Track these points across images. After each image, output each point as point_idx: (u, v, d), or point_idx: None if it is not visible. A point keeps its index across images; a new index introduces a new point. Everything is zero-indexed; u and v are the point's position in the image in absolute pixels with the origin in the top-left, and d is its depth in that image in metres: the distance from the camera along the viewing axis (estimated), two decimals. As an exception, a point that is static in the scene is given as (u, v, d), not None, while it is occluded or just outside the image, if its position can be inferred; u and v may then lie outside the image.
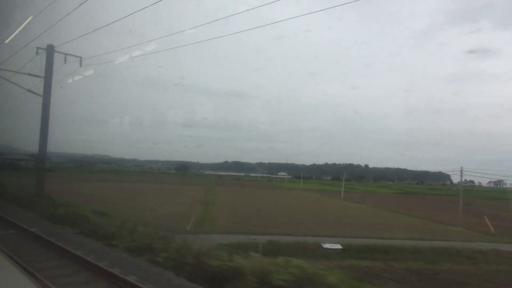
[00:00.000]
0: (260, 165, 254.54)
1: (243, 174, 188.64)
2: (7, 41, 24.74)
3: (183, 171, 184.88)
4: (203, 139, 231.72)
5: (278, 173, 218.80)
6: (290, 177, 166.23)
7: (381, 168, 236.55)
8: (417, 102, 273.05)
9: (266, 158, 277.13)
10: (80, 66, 29.09)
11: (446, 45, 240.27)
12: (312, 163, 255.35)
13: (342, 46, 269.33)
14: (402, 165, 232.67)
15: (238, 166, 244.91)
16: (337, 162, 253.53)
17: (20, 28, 23.70)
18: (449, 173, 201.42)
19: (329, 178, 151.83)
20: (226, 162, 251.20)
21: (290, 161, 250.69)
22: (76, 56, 28.96)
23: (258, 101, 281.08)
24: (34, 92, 28.29)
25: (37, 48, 26.69)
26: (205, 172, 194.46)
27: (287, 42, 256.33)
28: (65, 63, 28.70)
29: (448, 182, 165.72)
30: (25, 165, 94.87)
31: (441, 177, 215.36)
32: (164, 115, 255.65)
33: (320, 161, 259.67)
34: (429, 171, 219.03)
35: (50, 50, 27.80)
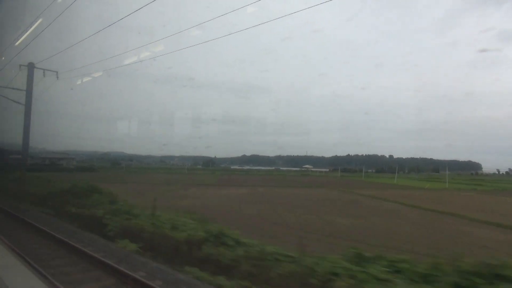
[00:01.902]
0: (279, 158, 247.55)
1: (273, 168, 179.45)
2: (17, 43, 24.80)
3: (211, 167, 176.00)
4: (216, 133, 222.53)
5: (303, 166, 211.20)
6: (327, 170, 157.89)
7: (405, 158, 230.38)
8: (438, 92, 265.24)
9: (283, 151, 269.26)
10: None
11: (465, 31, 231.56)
12: (332, 155, 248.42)
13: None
14: (425, 155, 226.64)
15: (256, 159, 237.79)
16: (359, 153, 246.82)
17: (30, 30, 23.69)
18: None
19: (373, 171, 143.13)
20: (244, 156, 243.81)
21: (309, 154, 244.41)
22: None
23: (272, 95, 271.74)
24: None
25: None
26: (232, 167, 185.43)
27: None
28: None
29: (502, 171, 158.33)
30: (66, 165, 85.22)
31: (472, 166, 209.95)
32: (175, 111, 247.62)
33: (340, 152, 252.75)
34: (458, 160, 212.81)
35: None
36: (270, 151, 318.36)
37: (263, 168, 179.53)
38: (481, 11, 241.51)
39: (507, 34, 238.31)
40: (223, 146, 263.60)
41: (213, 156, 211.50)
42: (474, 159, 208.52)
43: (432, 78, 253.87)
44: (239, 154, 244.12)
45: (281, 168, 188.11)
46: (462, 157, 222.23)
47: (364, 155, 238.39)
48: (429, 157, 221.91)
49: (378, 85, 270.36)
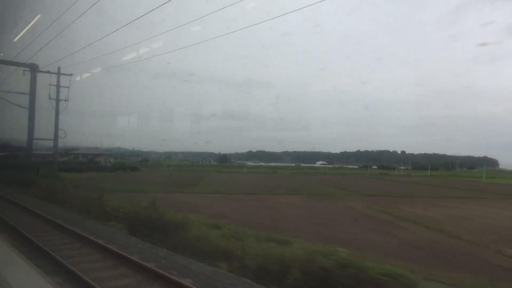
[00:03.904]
0: (286, 154, 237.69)
1: (293, 164, 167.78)
2: (16, 39, 24.54)
3: (225, 163, 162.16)
4: (220, 129, 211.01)
5: (316, 162, 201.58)
6: (355, 167, 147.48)
7: (416, 154, 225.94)
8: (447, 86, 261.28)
9: (289, 147, 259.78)
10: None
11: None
12: (341, 150, 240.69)
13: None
14: (437, 151, 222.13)
15: (262, 155, 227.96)
16: (369, 149, 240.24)
17: (28, 27, 23.17)
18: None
19: (410, 167, 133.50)
20: (250, 152, 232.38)
21: (316, 149, 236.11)
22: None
23: (274, 90, 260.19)
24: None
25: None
26: (247, 163, 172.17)
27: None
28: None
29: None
30: (104, 163, 69.36)
31: (488, 162, 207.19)
32: (175, 107, 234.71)
33: (348, 148, 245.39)
34: (473, 156, 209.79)
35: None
36: (272, 147, 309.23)
37: (282, 164, 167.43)
38: (487, 4, 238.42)
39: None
40: (226, 142, 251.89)
41: (217, 152, 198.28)
42: (490, 154, 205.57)
43: (436, 72, 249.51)
44: (244, 150, 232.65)
45: (301, 164, 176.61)
46: (477, 153, 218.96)
47: (375, 151, 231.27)
48: (441, 152, 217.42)
49: (381, 79, 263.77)
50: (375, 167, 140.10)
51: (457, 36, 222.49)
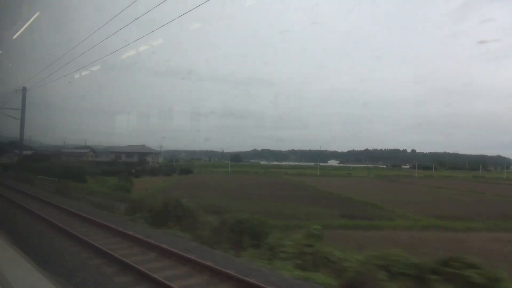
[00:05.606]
0: (292, 152, 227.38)
1: (312, 163, 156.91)
2: (14, 37, 24.47)
3: (238, 162, 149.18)
4: (221, 128, 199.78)
5: (328, 161, 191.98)
6: (383, 166, 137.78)
7: (427, 153, 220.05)
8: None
9: (294, 146, 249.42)
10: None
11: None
12: (348, 149, 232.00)
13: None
14: (448, 149, 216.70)
15: (268, 154, 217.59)
16: (378, 148, 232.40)
17: (27, 24, 23.59)
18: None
19: (436, 168, 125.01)
20: (255, 150, 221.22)
21: (322, 148, 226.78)
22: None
23: (275, 88, 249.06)
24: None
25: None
26: (261, 162, 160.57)
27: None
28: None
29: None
30: (152, 164, 54.59)
31: (501, 162, 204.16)
32: (175, 105, 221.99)
33: (354, 147, 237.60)
34: (486, 155, 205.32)
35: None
36: (276, 145, 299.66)
37: (306, 164, 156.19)
38: (487, 3, 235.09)
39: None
40: (227, 140, 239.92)
41: (219, 150, 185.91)
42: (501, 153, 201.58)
43: (436, 70, 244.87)
44: (246, 149, 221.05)
45: (321, 163, 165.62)
46: (487, 152, 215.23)
47: (384, 149, 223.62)
48: (451, 151, 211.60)
49: (380, 77, 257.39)
50: (407, 166, 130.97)
51: (457, 33, 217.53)
